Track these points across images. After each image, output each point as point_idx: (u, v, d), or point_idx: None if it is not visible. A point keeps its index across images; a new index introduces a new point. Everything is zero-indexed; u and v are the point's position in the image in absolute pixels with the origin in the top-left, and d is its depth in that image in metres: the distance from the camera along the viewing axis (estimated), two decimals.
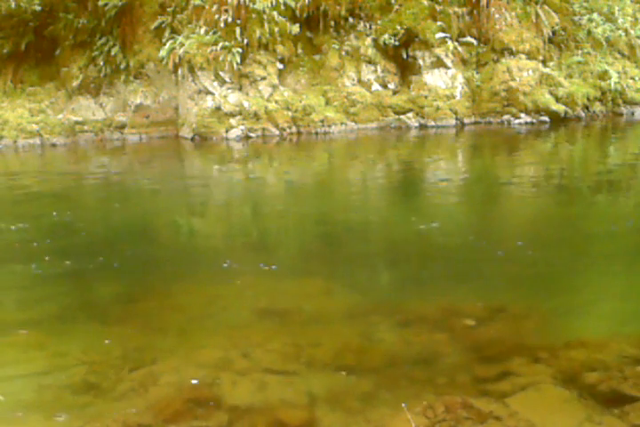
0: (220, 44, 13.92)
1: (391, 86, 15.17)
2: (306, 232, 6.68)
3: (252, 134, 14.16)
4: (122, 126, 15.55)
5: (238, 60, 13.94)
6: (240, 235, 6.73)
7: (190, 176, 11.00)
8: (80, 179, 10.58)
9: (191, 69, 14.26)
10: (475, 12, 15.14)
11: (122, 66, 15.42)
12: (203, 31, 14.22)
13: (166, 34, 14.82)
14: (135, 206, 8.08)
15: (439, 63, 14.88)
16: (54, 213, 7.41)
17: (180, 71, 14.58)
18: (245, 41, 14.05)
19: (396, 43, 14.83)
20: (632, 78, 15.55)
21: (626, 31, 15.94)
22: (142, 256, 5.72)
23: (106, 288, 4.98)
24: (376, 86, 15.06)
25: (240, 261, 5.39)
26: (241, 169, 11.38)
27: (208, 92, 14.22)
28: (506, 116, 14.75)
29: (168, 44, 14.39)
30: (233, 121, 14.18)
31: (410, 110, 14.91)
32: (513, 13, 15.24)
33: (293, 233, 6.67)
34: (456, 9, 15.05)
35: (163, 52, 14.38)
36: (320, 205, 7.89)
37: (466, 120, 14.90)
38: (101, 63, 15.44)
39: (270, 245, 6.23)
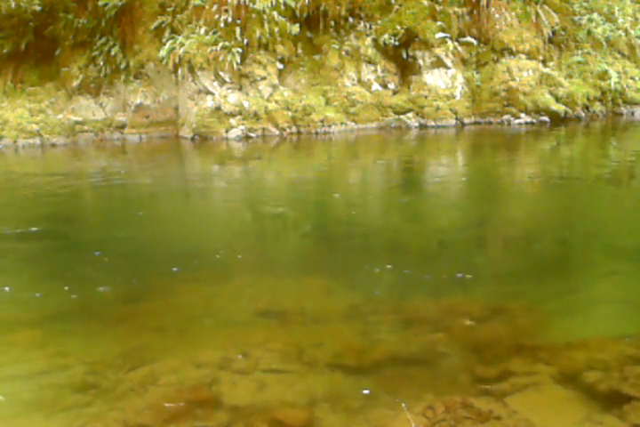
0: (220, 44, 13.92)
1: (391, 86, 15.18)
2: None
3: (251, 134, 14.16)
4: (122, 126, 15.56)
5: (238, 60, 13.94)
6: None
7: (197, 178, 10.87)
8: (98, 181, 10.49)
9: (191, 69, 14.26)
10: (475, 12, 15.15)
11: (122, 66, 15.43)
12: (203, 31, 14.22)
13: (166, 34, 14.82)
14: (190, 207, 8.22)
15: (439, 63, 14.88)
16: (140, 213, 7.58)
17: (180, 71, 14.58)
18: (245, 41, 14.06)
19: (396, 43, 14.84)
20: (632, 78, 15.55)
21: (626, 31, 15.95)
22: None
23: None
24: (376, 86, 15.07)
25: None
26: (247, 170, 11.35)
27: (208, 92, 14.22)
28: (506, 116, 14.76)
29: (168, 44, 14.39)
30: (233, 121, 14.18)
31: (410, 110, 14.91)
32: (513, 13, 15.24)
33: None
34: (456, 9, 15.05)
35: (163, 52, 14.39)
36: (327, 205, 7.90)
37: (466, 120, 14.90)
38: (101, 63, 15.45)
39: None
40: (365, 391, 3.22)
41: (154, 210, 7.82)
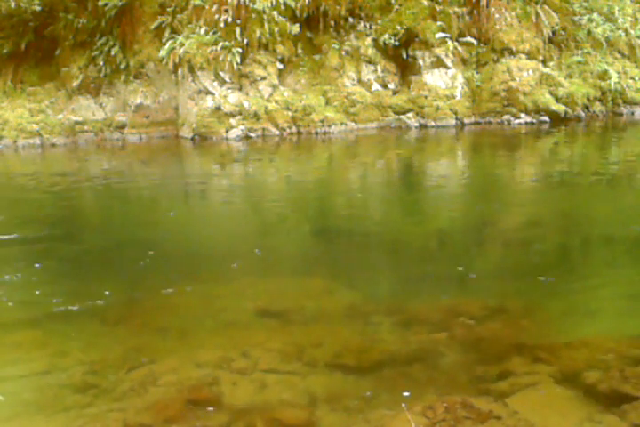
0: (220, 44, 13.92)
1: (391, 86, 15.17)
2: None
3: (251, 134, 14.16)
4: (122, 126, 15.55)
5: (238, 60, 13.94)
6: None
7: (206, 179, 10.71)
8: (107, 181, 10.40)
9: (191, 69, 14.26)
10: (475, 12, 15.14)
11: (122, 66, 15.42)
12: (203, 31, 14.22)
13: (166, 34, 14.81)
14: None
15: (439, 63, 14.88)
16: (171, 214, 7.55)
17: (180, 71, 14.58)
18: (245, 41, 14.05)
19: (396, 43, 14.83)
20: (632, 78, 15.55)
21: (626, 31, 15.94)
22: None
23: None
24: (376, 86, 15.06)
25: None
26: (252, 171, 11.27)
27: (208, 92, 14.22)
28: (506, 116, 14.75)
29: (168, 44, 14.39)
30: (233, 121, 14.18)
31: (410, 110, 14.91)
32: (513, 13, 15.24)
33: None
34: (456, 9, 15.04)
35: (163, 52, 14.38)
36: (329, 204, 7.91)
37: (466, 120, 14.89)
38: (101, 63, 15.45)
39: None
40: (365, 391, 3.22)
41: (178, 211, 7.79)
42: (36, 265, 5.42)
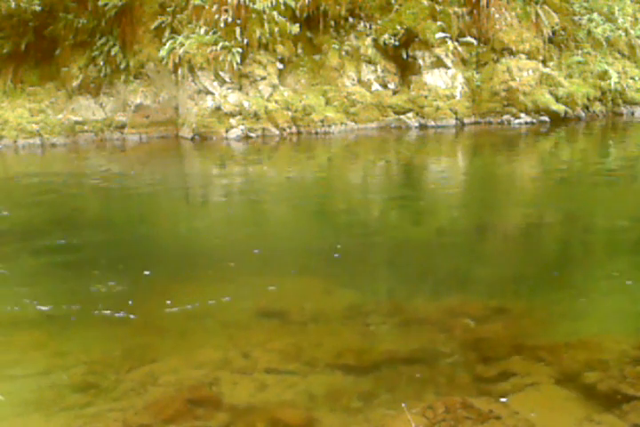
0: (220, 44, 13.92)
1: (391, 86, 15.17)
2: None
3: (251, 134, 14.16)
4: (122, 126, 15.55)
5: (238, 60, 13.94)
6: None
7: (216, 180, 10.68)
8: (118, 182, 10.26)
9: (191, 69, 14.26)
10: (475, 11, 15.14)
11: (122, 66, 15.43)
12: (203, 31, 14.22)
13: (166, 34, 14.82)
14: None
15: (439, 63, 14.88)
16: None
17: (180, 71, 14.58)
18: (245, 41, 14.05)
19: (396, 43, 14.83)
20: (632, 78, 15.55)
21: (626, 31, 15.94)
22: None
23: None
24: (376, 86, 15.06)
25: None
26: (258, 172, 11.16)
27: (208, 92, 14.22)
28: (506, 116, 14.75)
29: (168, 44, 14.39)
30: (233, 121, 14.18)
31: (410, 110, 14.91)
32: (513, 13, 15.24)
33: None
34: (456, 9, 15.04)
35: (163, 52, 14.39)
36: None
37: (466, 120, 14.89)
38: (101, 63, 15.46)
39: None
40: (365, 391, 3.22)
41: (215, 212, 7.79)
42: (146, 272, 5.16)
